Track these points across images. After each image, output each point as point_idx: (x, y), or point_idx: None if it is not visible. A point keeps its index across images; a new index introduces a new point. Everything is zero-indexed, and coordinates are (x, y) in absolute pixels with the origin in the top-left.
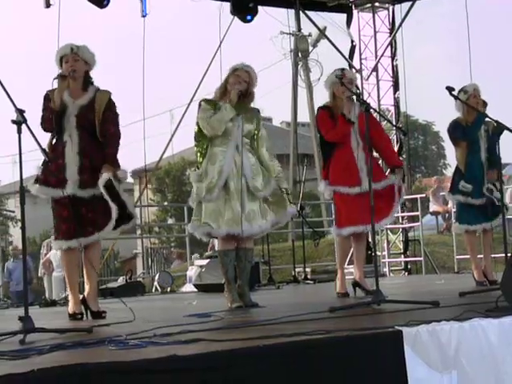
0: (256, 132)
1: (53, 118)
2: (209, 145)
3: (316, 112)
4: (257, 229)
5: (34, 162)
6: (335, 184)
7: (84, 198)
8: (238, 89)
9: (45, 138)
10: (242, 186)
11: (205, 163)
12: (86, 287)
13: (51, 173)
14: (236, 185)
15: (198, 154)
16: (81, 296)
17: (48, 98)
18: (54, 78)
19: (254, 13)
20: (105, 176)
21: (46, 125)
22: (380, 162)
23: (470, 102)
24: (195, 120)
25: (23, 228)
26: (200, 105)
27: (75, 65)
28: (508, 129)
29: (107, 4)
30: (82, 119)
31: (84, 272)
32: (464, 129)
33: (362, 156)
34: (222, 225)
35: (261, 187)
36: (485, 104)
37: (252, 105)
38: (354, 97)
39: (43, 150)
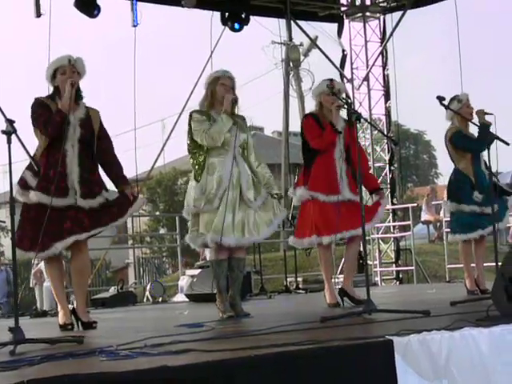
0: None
1: (60, 122)
2: (206, 156)
3: (302, 119)
4: (249, 239)
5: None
6: (314, 190)
7: (80, 208)
8: (232, 97)
9: (35, 148)
10: (237, 197)
11: (204, 175)
12: (76, 298)
13: (48, 180)
14: (232, 195)
15: (196, 167)
16: (71, 306)
17: (44, 104)
18: (73, 85)
19: (245, 23)
20: (140, 201)
21: (52, 129)
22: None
23: (464, 110)
24: (186, 131)
25: (13, 238)
26: (191, 116)
27: (73, 76)
28: (498, 138)
29: (98, 14)
30: (85, 132)
31: (72, 282)
32: (472, 140)
33: (343, 167)
34: (213, 234)
35: (253, 198)
36: (486, 113)
37: (240, 112)
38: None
39: (34, 160)
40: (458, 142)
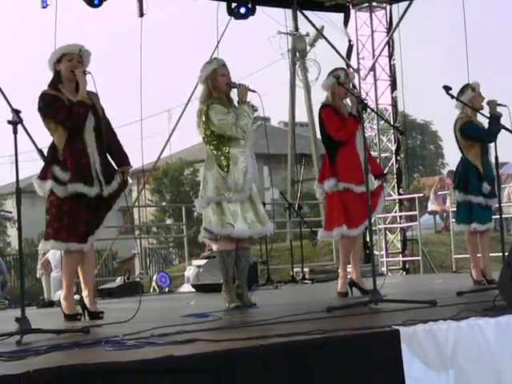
0: None
1: (84, 112)
2: (229, 147)
3: (319, 110)
4: (271, 228)
5: (30, 163)
6: (347, 181)
7: (103, 197)
8: (247, 86)
9: (41, 138)
10: (256, 188)
11: (231, 165)
12: (84, 288)
13: (78, 171)
14: (255, 187)
15: (222, 157)
16: (78, 296)
17: (57, 97)
18: (87, 73)
19: (252, 13)
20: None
21: (78, 121)
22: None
23: (476, 99)
24: (201, 122)
25: (19, 229)
26: (211, 108)
27: (78, 66)
28: (506, 128)
29: (99, 4)
30: (96, 119)
31: (80, 272)
32: (483, 131)
33: (363, 155)
34: (244, 226)
35: (256, 189)
36: (499, 104)
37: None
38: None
39: (39, 151)
40: (469, 131)
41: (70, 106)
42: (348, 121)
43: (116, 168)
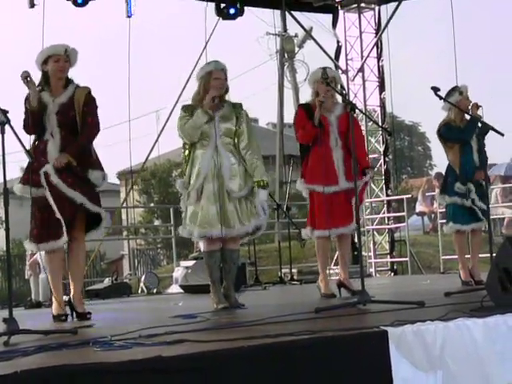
0: (237, 128)
1: (30, 119)
2: (192, 150)
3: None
4: (237, 230)
5: (18, 164)
6: (311, 183)
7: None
8: (214, 94)
9: (29, 138)
10: (218, 188)
11: (188, 168)
12: (72, 288)
13: (34, 172)
14: (213, 187)
15: (183, 161)
16: (66, 297)
17: (28, 99)
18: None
19: (240, 14)
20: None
21: (27, 128)
22: None
23: (463, 102)
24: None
25: (7, 229)
26: (179, 116)
27: (65, 66)
28: (493, 129)
29: (82, 3)
30: (62, 117)
31: (69, 273)
32: (459, 131)
33: (340, 155)
34: (195, 227)
35: (237, 188)
36: (478, 106)
37: (235, 101)
38: (339, 97)
39: (27, 151)
40: (445, 133)
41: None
42: (306, 125)
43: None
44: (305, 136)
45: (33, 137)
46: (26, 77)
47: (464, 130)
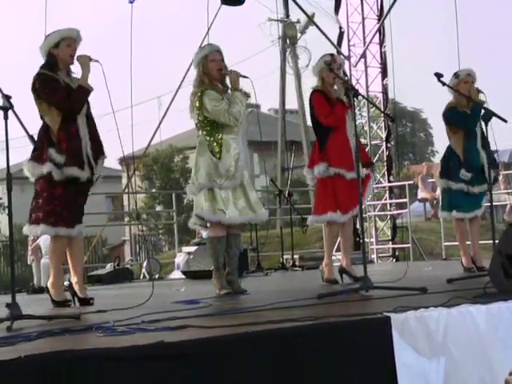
0: None
1: (83, 98)
2: (222, 133)
3: (310, 95)
4: (264, 215)
5: (19, 149)
6: (338, 166)
7: (90, 182)
8: (238, 73)
9: (32, 124)
10: (248, 176)
11: (224, 152)
12: (73, 274)
13: (73, 155)
14: (247, 174)
15: (214, 144)
16: (67, 283)
17: (54, 78)
18: (94, 61)
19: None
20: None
21: (76, 105)
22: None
23: (461, 87)
24: (195, 108)
25: (10, 215)
26: (205, 94)
27: (76, 51)
28: (496, 115)
29: None
30: (89, 105)
31: (70, 259)
32: (463, 117)
33: (353, 141)
34: (235, 213)
35: (247, 176)
36: (479, 91)
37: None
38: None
39: (30, 137)
40: (451, 118)
41: (67, 89)
42: (336, 106)
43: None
44: (335, 118)
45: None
46: (90, 58)
47: (468, 117)
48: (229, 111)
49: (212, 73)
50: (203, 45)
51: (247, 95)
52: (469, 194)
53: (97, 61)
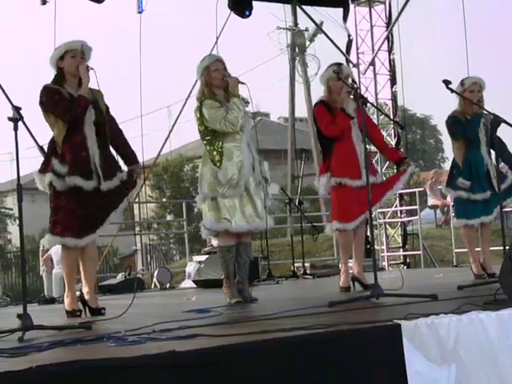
0: None
1: (82, 108)
2: (223, 142)
3: (313, 107)
4: (270, 223)
5: (30, 159)
6: (340, 176)
7: (101, 192)
8: (236, 79)
9: (42, 135)
10: (256, 182)
11: (224, 161)
12: (85, 284)
13: (75, 162)
14: (252, 181)
15: (214, 153)
16: (78, 293)
17: (58, 90)
18: (90, 69)
19: (250, 8)
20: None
21: (78, 114)
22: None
23: (466, 94)
24: (197, 118)
25: (21, 226)
26: (204, 103)
27: (82, 62)
28: (505, 121)
29: (101, 0)
30: (97, 113)
31: (82, 269)
32: (463, 125)
33: (361, 149)
34: (242, 221)
35: (254, 184)
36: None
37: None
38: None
39: (40, 148)
40: (452, 127)
41: (70, 99)
42: (338, 116)
43: (121, 166)
44: (336, 127)
45: (51, 133)
46: (89, 68)
47: (467, 126)
48: (226, 118)
49: (215, 82)
50: (203, 56)
51: (245, 101)
52: (471, 201)
53: (92, 69)
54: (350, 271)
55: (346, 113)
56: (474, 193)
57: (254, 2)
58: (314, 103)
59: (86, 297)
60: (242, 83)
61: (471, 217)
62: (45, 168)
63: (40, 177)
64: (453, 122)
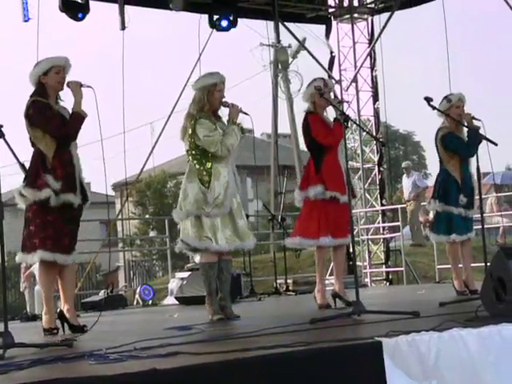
0: None
1: (78, 125)
2: (212, 162)
3: (305, 116)
4: (251, 243)
5: (12, 177)
6: (334, 190)
7: (79, 208)
8: (240, 108)
9: (23, 152)
10: (238, 203)
11: (212, 181)
12: (64, 302)
13: (62, 179)
14: (236, 201)
15: (204, 173)
16: (58, 309)
17: (49, 106)
18: (86, 86)
19: (233, 25)
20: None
21: (71, 132)
22: None
23: (452, 111)
24: (187, 134)
25: (2, 243)
26: (198, 122)
27: (65, 78)
28: (487, 139)
29: (83, 17)
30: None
31: (60, 286)
32: (463, 144)
33: (344, 165)
34: (223, 241)
35: (236, 204)
36: (473, 118)
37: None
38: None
39: (21, 165)
40: (451, 144)
41: (60, 117)
42: (334, 126)
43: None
44: (335, 138)
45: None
46: (81, 84)
47: (468, 144)
48: (223, 142)
49: (215, 102)
50: (212, 71)
51: (244, 131)
52: (459, 217)
53: (89, 86)
54: (329, 288)
55: (340, 122)
56: (469, 209)
57: (238, 19)
58: (300, 117)
59: (67, 314)
60: (245, 114)
61: (460, 233)
62: (34, 182)
63: (30, 191)
64: (451, 139)
